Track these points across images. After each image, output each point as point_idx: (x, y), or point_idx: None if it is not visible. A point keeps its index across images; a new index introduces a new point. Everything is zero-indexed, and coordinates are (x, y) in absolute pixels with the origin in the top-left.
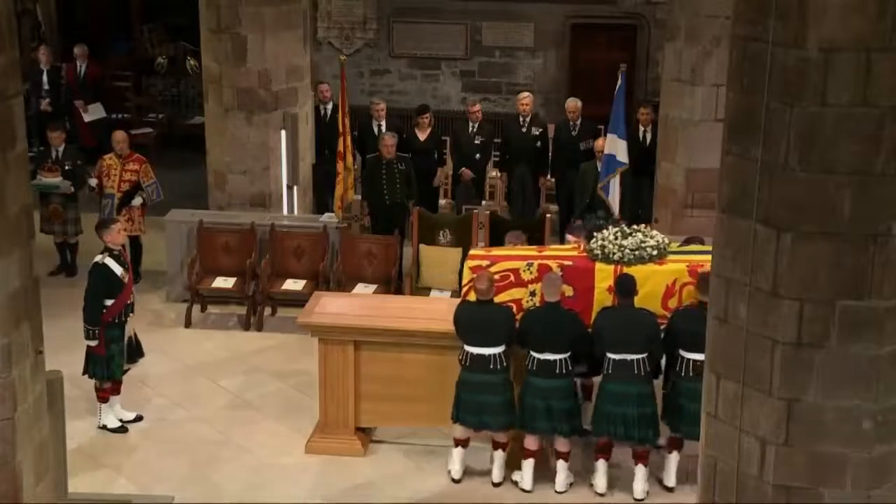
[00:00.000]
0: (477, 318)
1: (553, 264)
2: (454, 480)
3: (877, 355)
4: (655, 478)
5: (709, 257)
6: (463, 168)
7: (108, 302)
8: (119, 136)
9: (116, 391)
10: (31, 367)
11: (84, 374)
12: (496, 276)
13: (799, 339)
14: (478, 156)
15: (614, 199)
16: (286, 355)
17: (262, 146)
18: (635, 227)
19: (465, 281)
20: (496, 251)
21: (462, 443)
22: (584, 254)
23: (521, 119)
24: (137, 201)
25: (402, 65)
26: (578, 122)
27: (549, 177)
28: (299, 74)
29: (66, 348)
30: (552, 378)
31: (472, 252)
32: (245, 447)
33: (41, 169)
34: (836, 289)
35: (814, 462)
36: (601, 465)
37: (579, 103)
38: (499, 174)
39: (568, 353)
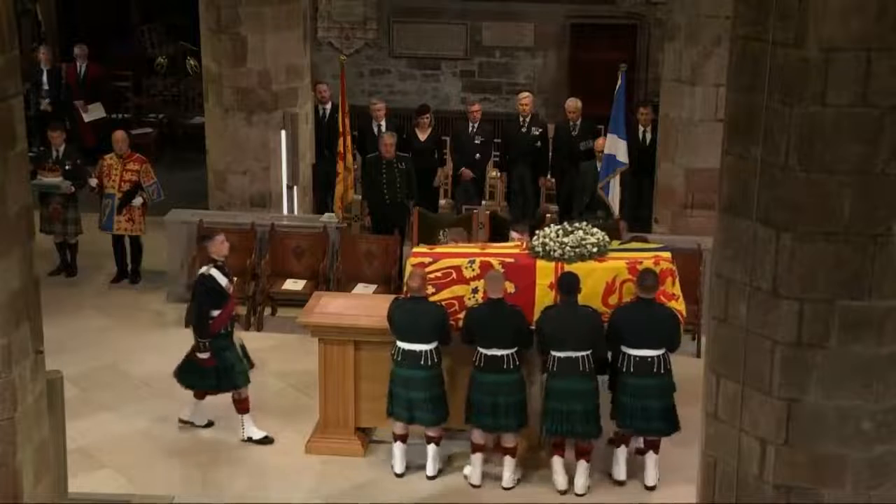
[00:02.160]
0: (409, 315)
1: (495, 262)
2: (397, 475)
3: (877, 355)
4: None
5: (649, 254)
6: (463, 168)
7: (215, 313)
8: (119, 136)
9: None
10: (31, 367)
11: (185, 386)
12: (439, 273)
13: (799, 339)
14: (478, 156)
15: (614, 199)
16: (286, 355)
17: (262, 146)
18: (577, 224)
19: (406, 278)
20: (439, 248)
21: (401, 438)
22: (526, 251)
23: (521, 119)
24: (138, 201)
25: (402, 65)
26: (578, 122)
27: (549, 177)
28: (299, 74)
29: (66, 348)
30: (500, 373)
31: (415, 249)
32: (245, 447)
33: (41, 169)
34: (835, 289)
35: (814, 462)
36: (557, 461)
37: (579, 103)
38: (499, 174)
39: (515, 349)
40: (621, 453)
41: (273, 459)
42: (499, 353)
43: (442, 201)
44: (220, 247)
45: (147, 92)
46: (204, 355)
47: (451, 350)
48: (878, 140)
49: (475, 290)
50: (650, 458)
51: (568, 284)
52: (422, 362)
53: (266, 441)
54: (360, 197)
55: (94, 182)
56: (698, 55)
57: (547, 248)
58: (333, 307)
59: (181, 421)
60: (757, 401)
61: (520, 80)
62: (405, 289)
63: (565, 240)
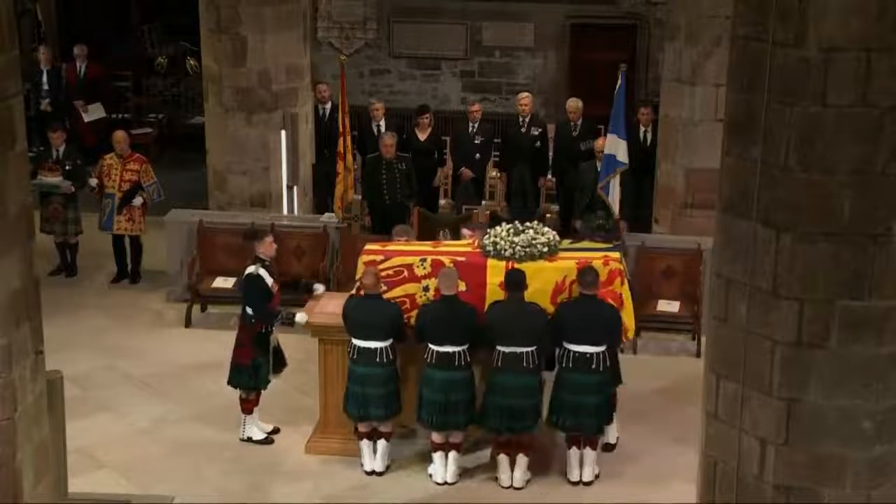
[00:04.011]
0: (363, 313)
1: (447, 260)
2: (366, 473)
3: (877, 355)
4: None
5: (599, 254)
6: (463, 168)
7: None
8: (119, 136)
9: (257, 403)
10: (31, 367)
11: (229, 384)
12: (391, 271)
13: (799, 339)
14: (478, 156)
15: (614, 199)
16: (286, 355)
17: (262, 146)
18: (528, 223)
19: (357, 276)
20: (391, 246)
21: (366, 435)
22: (478, 250)
23: (520, 119)
24: (138, 201)
25: (402, 65)
26: (579, 122)
27: (549, 177)
28: (299, 74)
29: (66, 348)
30: (451, 370)
31: (367, 247)
32: (245, 447)
33: (41, 169)
34: (836, 289)
35: (814, 462)
36: (503, 459)
37: (580, 103)
38: (499, 174)
39: (466, 345)
40: (573, 455)
41: (273, 459)
42: (450, 349)
43: (442, 201)
44: (268, 247)
45: (147, 92)
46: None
47: (402, 347)
48: (878, 140)
49: (426, 289)
50: (588, 454)
51: (514, 281)
52: (377, 359)
53: (266, 441)
54: (360, 197)
55: (94, 182)
56: (698, 55)
57: (498, 247)
58: (333, 307)
59: (242, 440)
60: (757, 401)
61: (520, 80)
62: (357, 287)
63: (516, 239)
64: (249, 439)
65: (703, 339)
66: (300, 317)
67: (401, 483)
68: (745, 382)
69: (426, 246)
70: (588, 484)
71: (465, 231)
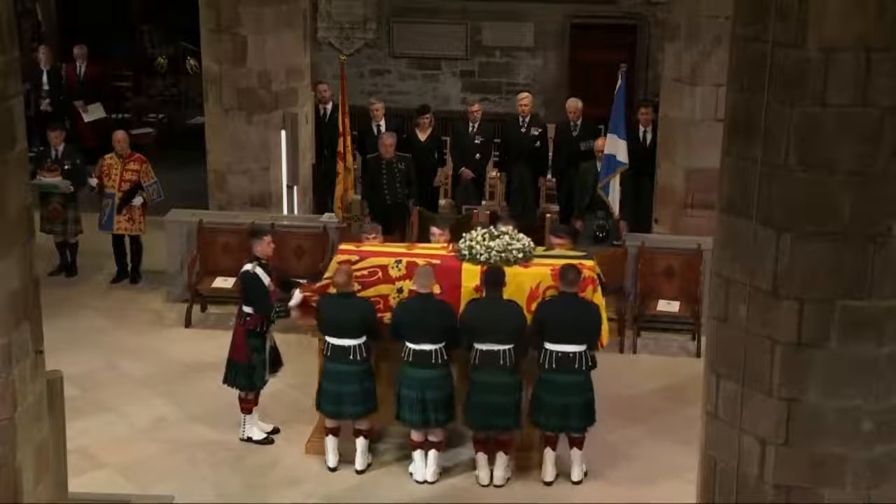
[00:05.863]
0: (336, 311)
1: (421, 262)
2: (330, 469)
3: (877, 355)
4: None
5: (574, 262)
6: (463, 168)
7: (251, 310)
8: (119, 135)
9: (256, 402)
10: (31, 367)
11: (224, 382)
12: (365, 272)
13: (799, 339)
14: (478, 156)
15: (614, 199)
16: (286, 355)
17: (262, 146)
18: (503, 229)
19: (328, 274)
20: (366, 247)
21: (333, 431)
22: (453, 253)
23: (520, 119)
24: (138, 201)
25: (402, 65)
26: (579, 122)
27: (549, 177)
28: (299, 74)
29: (66, 348)
30: (428, 368)
31: (341, 246)
32: (245, 447)
33: (41, 169)
34: (836, 289)
35: (814, 462)
36: (481, 457)
37: (580, 103)
38: (499, 174)
39: (443, 343)
40: (548, 455)
41: (273, 459)
42: (427, 347)
43: (442, 201)
44: (266, 247)
45: (147, 92)
46: (286, 313)
47: (378, 345)
48: (878, 140)
49: (400, 290)
50: (575, 454)
51: (493, 278)
52: (351, 357)
53: (266, 441)
54: (360, 197)
55: (93, 182)
56: (698, 55)
57: (473, 251)
58: None
59: (242, 440)
60: (757, 401)
61: (520, 80)
62: (327, 284)
63: (491, 244)
64: (249, 439)
65: (703, 339)
66: (295, 300)
67: (402, 483)
68: (745, 382)
69: (401, 247)
70: (577, 483)
71: (434, 230)
